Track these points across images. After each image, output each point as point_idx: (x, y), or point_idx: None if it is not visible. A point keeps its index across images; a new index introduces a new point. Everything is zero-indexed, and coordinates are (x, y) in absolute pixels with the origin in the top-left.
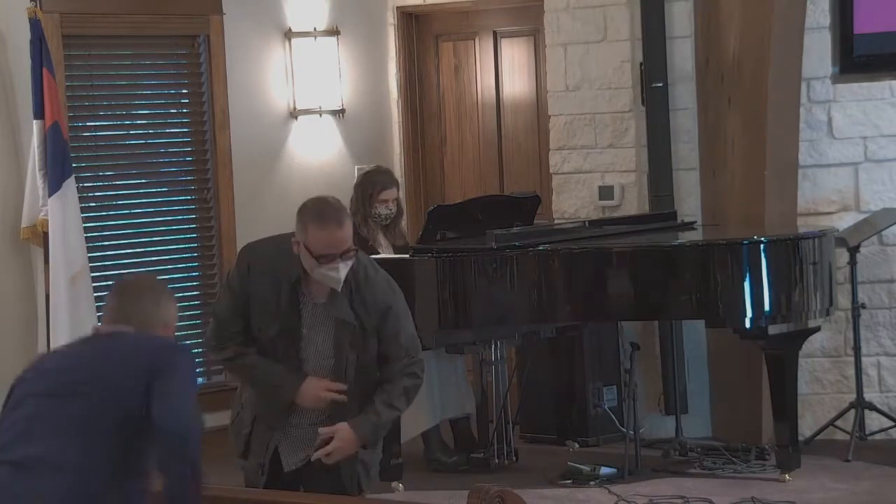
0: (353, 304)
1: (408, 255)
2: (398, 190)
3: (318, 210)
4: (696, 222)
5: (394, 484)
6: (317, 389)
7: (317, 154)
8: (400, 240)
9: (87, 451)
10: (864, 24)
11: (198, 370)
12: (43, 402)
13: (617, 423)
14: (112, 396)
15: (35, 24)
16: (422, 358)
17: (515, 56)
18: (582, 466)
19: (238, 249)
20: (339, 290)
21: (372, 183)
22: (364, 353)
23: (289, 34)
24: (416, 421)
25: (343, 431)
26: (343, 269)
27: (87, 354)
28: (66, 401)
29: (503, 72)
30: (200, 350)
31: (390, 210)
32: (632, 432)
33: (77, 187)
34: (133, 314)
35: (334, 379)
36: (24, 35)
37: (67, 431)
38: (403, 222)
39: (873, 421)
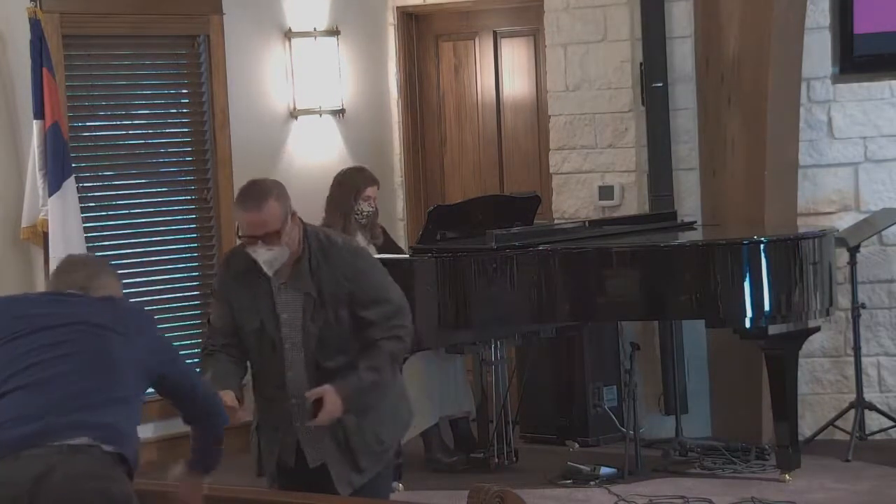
0: (320, 279)
1: (408, 255)
2: (378, 189)
3: (242, 191)
4: (696, 222)
5: (394, 484)
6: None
7: (317, 154)
8: (378, 239)
9: None
10: (864, 24)
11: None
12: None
13: (617, 423)
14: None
15: (35, 24)
16: (408, 324)
17: (515, 56)
18: (582, 466)
19: None
20: (271, 274)
21: (356, 180)
22: (331, 325)
23: (289, 34)
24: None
25: (328, 394)
26: (264, 254)
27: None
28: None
29: (503, 72)
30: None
31: (372, 207)
32: (632, 432)
33: (77, 187)
34: (102, 286)
35: (303, 352)
36: (24, 35)
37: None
38: (400, 220)
39: (873, 421)
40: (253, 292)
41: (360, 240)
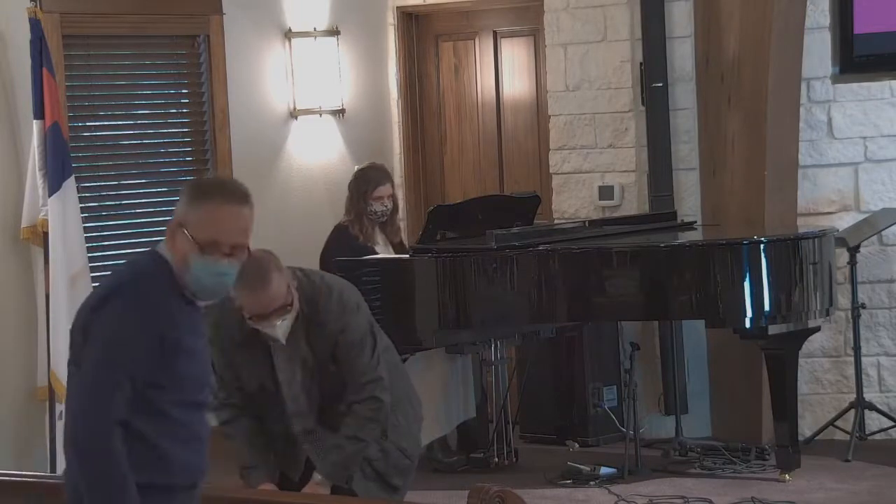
0: (308, 334)
1: (408, 255)
2: (393, 186)
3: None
4: (696, 222)
5: None
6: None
7: (317, 154)
8: (396, 236)
9: None
10: (864, 24)
11: None
12: None
13: (617, 423)
14: None
15: (35, 24)
16: (381, 375)
17: (515, 56)
18: (582, 466)
19: None
20: (284, 342)
21: (366, 180)
22: (326, 383)
23: (289, 34)
24: (426, 430)
25: (311, 488)
26: (281, 327)
27: None
28: None
29: (503, 72)
30: None
31: (386, 207)
32: (632, 432)
33: (77, 187)
34: None
35: (306, 412)
36: (24, 35)
37: None
38: (400, 219)
39: (873, 421)
40: (250, 354)
41: (378, 238)
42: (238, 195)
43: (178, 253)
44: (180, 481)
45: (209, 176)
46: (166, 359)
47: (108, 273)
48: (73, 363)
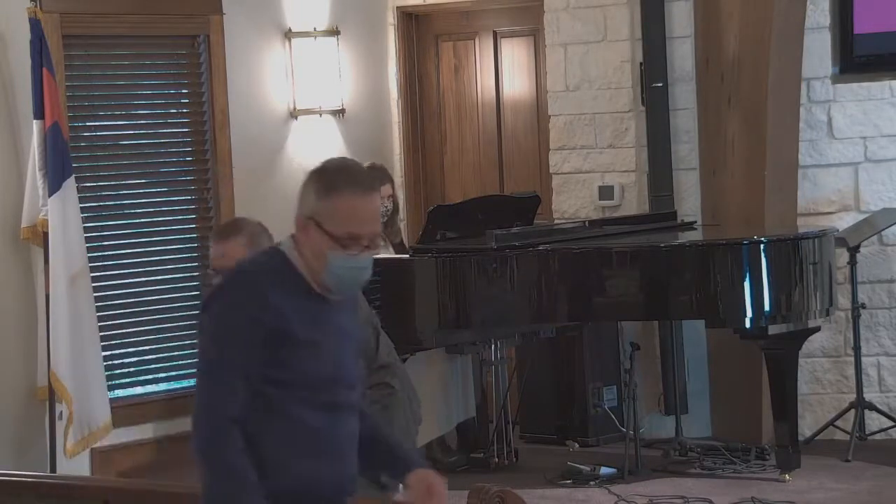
0: None
1: (408, 255)
2: (393, 186)
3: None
4: (696, 222)
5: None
6: None
7: (317, 154)
8: (396, 237)
9: None
10: (864, 24)
11: None
12: None
13: (617, 423)
14: None
15: (35, 24)
16: (389, 362)
17: (515, 56)
18: (582, 466)
19: None
20: None
21: None
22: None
23: (289, 34)
24: (425, 429)
25: None
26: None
27: None
28: None
29: (503, 72)
30: None
31: (386, 207)
32: (632, 432)
33: (77, 187)
34: None
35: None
36: (24, 35)
37: None
38: (400, 219)
39: (873, 421)
40: None
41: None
42: (368, 182)
43: (311, 248)
44: (306, 493)
45: (330, 162)
46: (280, 353)
47: (108, 273)
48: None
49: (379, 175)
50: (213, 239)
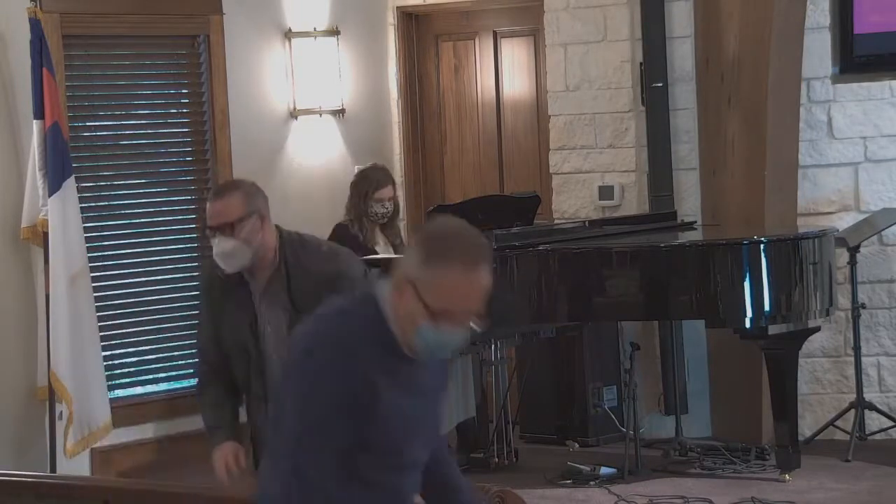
0: (290, 286)
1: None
2: (395, 188)
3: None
4: (696, 222)
5: None
6: (220, 459)
7: (317, 154)
8: (397, 238)
9: None
10: (864, 24)
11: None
12: None
13: (617, 423)
14: None
15: (35, 24)
16: None
17: (515, 56)
18: (582, 466)
19: None
20: (227, 270)
21: (367, 181)
22: None
23: (289, 34)
24: None
25: None
26: (219, 244)
27: None
28: None
29: (503, 72)
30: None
31: (387, 209)
32: (632, 432)
33: (77, 187)
34: None
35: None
36: (24, 35)
37: None
38: (400, 220)
39: (873, 421)
40: (234, 305)
41: (379, 239)
42: (481, 257)
43: (403, 310)
44: None
45: (446, 224)
46: (363, 422)
47: (108, 273)
48: (275, 400)
49: (380, 176)
50: (210, 199)
